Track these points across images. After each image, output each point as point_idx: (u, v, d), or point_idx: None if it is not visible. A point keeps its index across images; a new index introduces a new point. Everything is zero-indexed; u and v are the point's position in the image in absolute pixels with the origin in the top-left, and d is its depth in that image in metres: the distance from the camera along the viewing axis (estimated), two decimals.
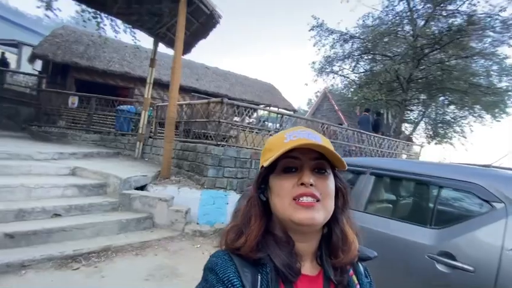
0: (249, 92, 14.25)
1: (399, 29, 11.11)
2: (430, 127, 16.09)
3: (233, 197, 4.57)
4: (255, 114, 9.41)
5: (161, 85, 10.86)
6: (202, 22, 5.82)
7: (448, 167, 2.13)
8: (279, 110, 11.85)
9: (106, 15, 7.79)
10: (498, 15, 9.19)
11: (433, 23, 10.31)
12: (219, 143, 4.88)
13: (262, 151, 0.63)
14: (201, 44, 7.19)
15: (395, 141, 8.95)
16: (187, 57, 9.70)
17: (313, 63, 12.71)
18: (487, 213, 1.58)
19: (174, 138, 5.38)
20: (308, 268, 0.59)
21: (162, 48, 7.42)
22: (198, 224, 4.25)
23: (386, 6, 11.05)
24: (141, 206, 3.93)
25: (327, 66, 12.54)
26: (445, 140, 15.68)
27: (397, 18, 10.98)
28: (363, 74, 13.27)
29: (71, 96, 8.43)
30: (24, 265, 2.44)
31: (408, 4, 10.65)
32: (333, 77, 13.23)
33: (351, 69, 12.99)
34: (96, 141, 7.41)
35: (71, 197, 3.71)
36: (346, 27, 12.03)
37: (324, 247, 0.60)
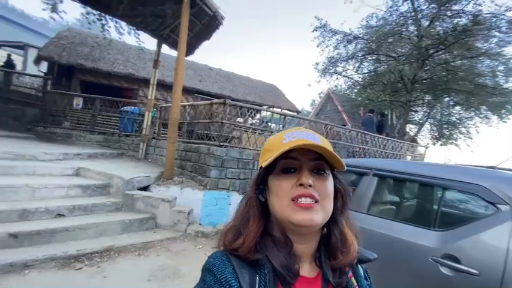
0: (252, 93, 14.27)
1: (403, 30, 11.03)
2: (435, 128, 15.94)
3: (236, 198, 4.56)
4: (258, 115, 9.41)
5: (165, 86, 10.94)
6: (206, 23, 5.85)
7: (452, 168, 2.10)
8: (282, 111, 11.83)
9: (111, 17, 7.86)
10: (504, 15, 9.09)
11: (437, 23, 10.22)
12: (221, 144, 4.88)
13: (261, 152, 0.63)
14: (205, 45, 7.21)
15: (400, 142, 8.88)
16: (190, 58, 9.76)
17: (317, 64, 12.69)
18: (492, 215, 1.55)
19: (177, 139, 5.40)
20: (307, 270, 0.58)
21: (166, 49, 7.48)
22: (200, 224, 4.25)
23: (390, 7, 10.99)
24: (144, 207, 3.95)
25: (331, 67, 12.50)
26: (451, 141, 15.52)
27: (401, 18, 10.91)
28: (366, 74, 13.20)
29: (75, 98, 8.52)
30: (28, 265, 2.46)
31: (412, 4, 10.57)
32: (337, 78, 13.18)
33: (354, 70, 12.93)
34: (101, 142, 7.47)
35: (75, 197, 3.74)
36: (349, 28, 11.96)
37: (322, 248, 0.60)
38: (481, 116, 13.60)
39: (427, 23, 10.43)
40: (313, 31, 11.71)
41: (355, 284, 0.61)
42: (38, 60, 11.19)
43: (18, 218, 2.94)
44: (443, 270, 1.54)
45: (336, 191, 0.61)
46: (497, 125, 13.57)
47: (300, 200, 0.54)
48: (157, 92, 8.88)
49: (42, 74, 11.35)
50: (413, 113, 14.08)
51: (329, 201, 0.57)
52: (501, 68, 11.27)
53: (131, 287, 2.59)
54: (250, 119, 7.02)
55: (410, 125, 15.98)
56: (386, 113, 12.62)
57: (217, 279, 0.52)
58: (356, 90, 13.36)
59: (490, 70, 11.28)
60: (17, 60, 14.39)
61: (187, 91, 11.15)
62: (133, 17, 6.44)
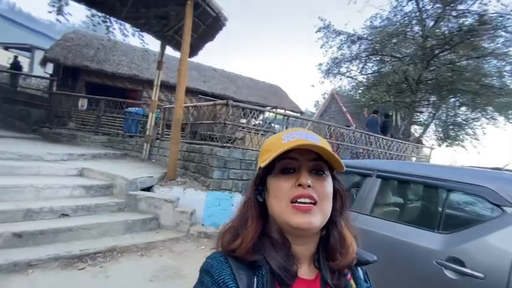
0: (255, 94, 14.29)
1: (408, 30, 10.95)
2: (440, 129, 15.77)
3: (238, 199, 4.54)
4: (261, 116, 9.41)
5: (168, 87, 11.00)
6: (209, 25, 5.87)
7: (457, 169, 2.07)
8: (286, 112, 11.82)
9: (115, 19, 7.95)
10: (510, 14, 8.96)
11: (442, 23, 10.12)
12: (224, 144, 4.89)
13: (260, 152, 0.62)
14: (209, 46, 7.24)
15: (404, 143, 8.79)
16: (195, 59, 9.80)
17: (320, 64, 12.64)
18: (497, 217, 1.52)
19: (180, 139, 5.42)
20: (305, 271, 0.58)
21: (170, 51, 7.52)
22: (203, 225, 4.25)
23: (395, 7, 10.90)
24: (147, 207, 3.96)
25: (334, 68, 12.45)
26: (457, 142, 15.34)
27: (406, 18, 10.82)
28: (370, 75, 13.12)
29: (80, 99, 8.62)
30: (31, 264, 2.48)
31: (417, 4, 10.49)
32: (340, 79, 13.13)
33: (358, 71, 12.86)
34: (105, 142, 7.53)
35: (79, 197, 3.77)
36: (353, 28, 11.87)
37: (321, 250, 0.59)
38: (487, 117, 13.42)
39: (432, 23, 10.33)
40: (316, 32, 11.68)
41: (354, 286, 0.61)
42: (44, 62, 11.35)
43: (22, 217, 2.97)
44: (448, 273, 1.52)
45: (335, 192, 0.60)
46: (504, 126, 13.39)
47: (299, 200, 0.54)
48: (161, 93, 8.94)
49: (48, 76, 11.50)
50: (418, 113, 13.95)
51: (328, 202, 0.57)
52: (508, 68, 11.10)
53: (133, 287, 2.60)
54: (253, 120, 7.03)
55: (415, 126, 15.83)
56: (390, 113, 12.52)
57: (215, 280, 0.51)
58: (360, 91, 13.28)
59: (497, 70, 11.13)
60: (24, 62, 14.62)
61: (191, 92, 11.20)
62: (137, 18, 6.50)
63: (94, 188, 3.98)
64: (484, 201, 1.62)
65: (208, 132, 5.71)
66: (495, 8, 9.15)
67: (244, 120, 6.10)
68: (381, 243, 1.89)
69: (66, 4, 8.21)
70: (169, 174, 4.97)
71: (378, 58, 12.38)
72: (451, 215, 1.79)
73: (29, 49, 16.55)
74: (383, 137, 7.98)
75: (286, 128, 6.24)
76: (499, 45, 10.14)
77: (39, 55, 14.03)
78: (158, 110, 7.54)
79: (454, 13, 9.70)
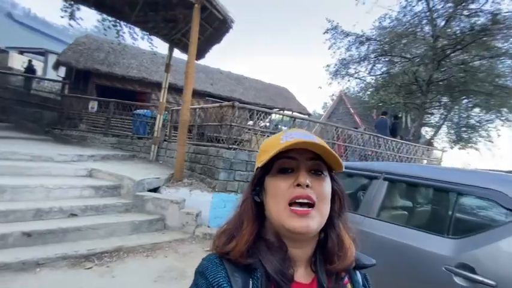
0: (262, 96, 14.29)
1: (418, 30, 10.75)
2: (452, 131, 15.39)
3: None
4: (268, 118, 9.39)
5: (177, 90, 11.11)
6: (216, 27, 5.91)
7: (468, 172, 2.00)
8: (293, 113, 11.77)
9: (125, 23, 8.11)
10: None
11: (454, 22, 9.90)
12: (230, 146, 4.89)
13: (258, 153, 0.62)
14: (218, 49, 7.30)
15: (415, 145, 8.61)
16: (202, 62, 9.90)
17: (328, 66, 12.55)
18: (510, 222, 1.45)
19: (187, 141, 5.46)
20: (302, 275, 0.57)
21: (177, 54, 7.62)
22: (208, 227, 4.25)
23: (404, 7, 10.73)
24: (154, 208, 4.00)
25: (342, 69, 12.34)
26: (470, 144, 14.93)
27: (416, 18, 10.63)
28: (379, 76, 12.93)
29: (90, 101, 8.81)
30: (39, 263, 2.53)
31: (427, 4, 10.29)
32: (348, 80, 12.99)
33: (367, 72, 12.69)
34: (114, 144, 7.66)
35: (87, 197, 3.83)
36: (362, 29, 11.74)
37: (318, 253, 0.58)
38: (502, 118, 13.01)
39: (443, 23, 10.12)
40: (324, 33, 11.61)
41: None
42: (56, 66, 11.66)
43: (32, 217, 3.04)
44: (457, 280, 1.46)
45: (333, 193, 0.59)
46: None
47: (297, 201, 0.53)
48: (169, 95, 9.05)
49: (60, 79, 11.82)
50: (429, 115, 13.65)
51: (326, 204, 0.56)
52: None
53: (138, 287, 2.62)
54: (261, 121, 7.03)
55: (426, 128, 15.51)
56: (400, 115, 12.30)
57: (209, 282, 0.51)
58: (369, 93, 13.11)
59: (511, 70, 10.80)
60: (38, 65, 15.07)
61: (198, 94, 11.29)
62: (146, 22, 6.61)
63: (102, 188, 4.05)
64: (496, 205, 1.56)
65: (214, 134, 5.73)
66: (508, 6, 8.94)
67: (251, 122, 6.11)
68: (387, 248, 1.85)
69: (78, 9, 8.43)
70: (176, 175, 5.00)
71: (387, 59, 12.20)
72: (461, 219, 1.73)
73: (43, 53, 17.07)
74: (392, 139, 7.84)
75: None
76: None
77: (52, 59, 14.45)
78: (166, 112, 7.62)
79: (465, 12, 9.47)
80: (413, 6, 10.55)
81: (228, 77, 14.25)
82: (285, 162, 0.56)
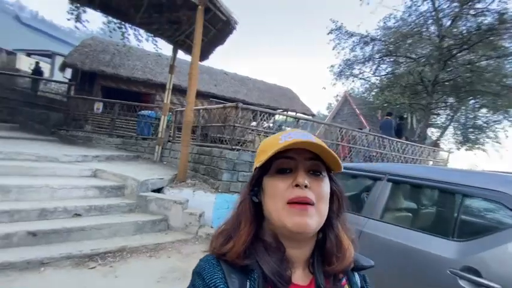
0: (266, 96, 14.29)
1: (423, 30, 10.64)
2: (459, 132, 15.19)
3: None
4: (272, 119, 9.38)
5: (181, 91, 11.16)
6: (219, 29, 5.93)
7: (474, 174, 1.96)
8: (297, 114, 11.74)
9: (130, 25, 8.20)
10: None
11: (460, 22, 9.78)
12: (233, 147, 4.89)
13: (257, 153, 0.62)
14: (223, 50, 7.33)
15: (420, 146, 8.52)
16: (206, 63, 9.94)
17: (332, 66, 12.50)
18: None
19: (190, 142, 5.48)
20: (299, 276, 0.56)
21: (182, 55, 7.67)
22: (212, 227, 4.25)
23: (409, 7, 10.64)
24: (157, 208, 4.01)
25: (347, 70, 12.28)
26: (477, 146, 14.72)
27: (421, 18, 10.53)
28: (384, 76, 12.83)
29: (96, 102, 8.91)
30: (44, 263, 2.55)
31: (433, 4, 10.19)
32: (353, 81, 12.92)
33: (371, 72, 12.61)
34: (118, 144, 7.73)
35: (92, 197, 3.86)
36: (366, 29, 11.67)
37: (316, 254, 0.58)
38: (510, 119, 12.81)
39: (449, 23, 10.01)
40: (328, 33, 11.57)
41: None
42: (63, 67, 11.83)
43: (37, 217, 3.07)
44: (462, 283, 1.43)
45: (332, 193, 0.59)
46: None
47: (295, 201, 0.53)
48: (173, 96, 9.10)
49: (66, 81, 11.98)
50: (435, 116, 13.49)
51: (325, 204, 0.55)
52: None
53: (141, 287, 2.62)
54: (265, 122, 7.03)
55: (432, 129, 15.34)
56: (405, 116, 12.19)
57: (206, 283, 0.50)
58: (374, 93, 13.02)
59: None
60: (45, 67, 15.30)
61: (202, 95, 11.34)
62: (150, 24, 6.67)
63: (107, 188, 4.08)
64: (503, 207, 1.53)
65: (218, 134, 5.74)
66: None
67: (254, 123, 6.11)
68: (391, 250, 1.82)
69: (84, 12, 8.55)
70: (179, 176, 5.02)
71: (392, 59, 12.11)
72: (467, 221, 1.69)
73: (50, 55, 17.34)
74: (397, 140, 7.77)
75: None
76: None
77: (59, 61, 14.67)
78: (170, 113, 7.67)
79: (472, 12, 9.35)
80: (419, 6, 10.47)
81: (232, 78, 14.29)
82: (284, 162, 0.56)
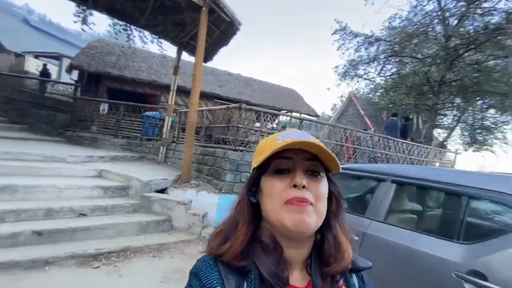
0: (270, 97, 14.28)
1: (429, 30, 10.53)
2: (466, 133, 14.97)
3: None
4: (276, 120, 9.37)
5: (185, 92, 11.22)
6: (223, 30, 5.95)
7: (480, 175, 1.93)
8: (301, 115, 11.71)
9: (135, 27, 8.29)
10: None
11: (467, 21, 9.66)
12: (237, 148, 4.90)
13: (255, 154, 0.61)
14: (226, 51, 7.38)
15: (426, 147, 8.41)
16: (210, 64, 9.98)
17: (336, 67, 12.46)
18: None
19: (194, 143, 5.50)
20: (297, 278, 0.55)
21: (187, 57, 7.73)
22: (215, 228, 4.24)
23: (415, 7, 10.55)
24: (161, 209, 4.03)
25: (351, 70, 12.21)
26: (485, 147, 14.49)
27: (427, 18, 10.43)
28: (389, 77, 12.73)
29: (101, 103, 9.01)
30: (49, 262, 2.58)
31: (439, 3, 10.08)
32: (357, 81, 12.85)
33: (376, 73, 12.53)
34: (123, 145, 7.80)
35: (96, 197, 3.90)
36: (371, 30, 11.59)
37: (314, 255, 0.57)
38: None
39: (455, 22, 9.89)
40: (332, 34, 11.53)
41: None
42: (69, 69, 12.00)
43: (43, 216, 3.11)
44: (468, 287, 1.40)
45: (330, 194, 0.58)
46: None
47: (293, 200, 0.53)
48: (178, 97, 9.16)
49: (73, 82, 12.15)
50: (441, 117, 13.33)
51: (323, 204, 0.55)
52: None
53: (145, 287, 2.64)
54: (269, 123, 7.03)
55: (439, 130, 15.15)
56: (411, 117, 12.06)
57: (203, 284, 0.50)
58: (379, 94, 12.93)
59: None
60: (53, 69, 15.54)
61: (206, 96, 11.39)
62: (155, 26, 6.72)
63: (111, 189, 4.11)
64: (510, 209, 1.49)
65: (222, 135, 5.76)
66: None
67: (258, 124, 6.11)
68: (395, 252, 1.80)
69: (91, 14, 8.68)
70: (183, 176, 5.04)
71: (397, 59, 12.02)
72: (473, 224, 1.66)
73: (58, 57, 17.62)
74: (403, 141, 7.69)
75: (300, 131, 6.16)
76: None
77: (66, 63, 14.88)
78: (174, 114, 7.71)
79: (479, 11, 9.23)
80: (424, 6, 10.38)
81: (236, 79, 14.32)
82: (281, 162, 0.55)
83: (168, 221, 3.94)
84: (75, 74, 12.50)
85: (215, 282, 0.50)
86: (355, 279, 0.61)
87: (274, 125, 7.40)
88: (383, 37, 11.45)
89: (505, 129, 13.40)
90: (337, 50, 11.85)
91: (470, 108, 13.30)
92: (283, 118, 7.65)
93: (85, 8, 8.09)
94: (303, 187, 0.52)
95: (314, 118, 12.66)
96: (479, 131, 14.34)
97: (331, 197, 0.59)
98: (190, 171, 5.23)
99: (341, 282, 0.58)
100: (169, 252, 3.35)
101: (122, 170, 4.80)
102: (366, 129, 9.85)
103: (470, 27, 9.59)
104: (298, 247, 0.56)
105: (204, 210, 4.18)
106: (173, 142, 7.33)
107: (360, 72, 12.44)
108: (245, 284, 0.51)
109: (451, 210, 1.94)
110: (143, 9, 6.11)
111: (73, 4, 7.89)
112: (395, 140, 7.42)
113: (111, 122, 8.78)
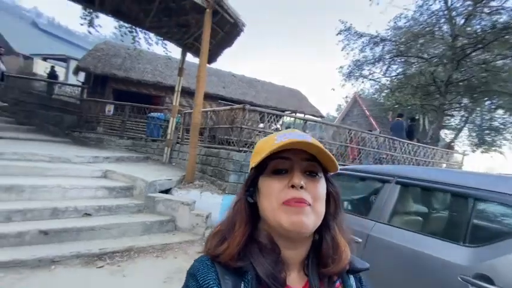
0: (274, 98, 14.27)
1: (436, 29, 10.41)
2: (474, 134, 14.74)
3: None
4: (281, 121, 9.36)
5: (190, 93, 11.28)
6: (227, 31, 5.97)
7: (487, 177, 1.89)
8: (305, 116, 11.67)
9: (140, 29, 8.37)
10: None
11: (474, 21, 9.53)
12: (240, 148, 4.90)
13: (252, 154, 0.61)
14: (230, 52, 7.40)
15: (433, 148, 8.30)
16: (214, 65, 10.02)
17: (341, 67, 12.39)
18: None
19: (198, 144, 5.52)
20: (294, 279, 0.55)
21: (191, 58, 7.76)
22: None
23: (421, 6, 10.45)
24: (165, 209, 4.05)
25: (356, 71, 12.14)
26: (493, 148, 14.25)
27: (433, 17, 10.32)
28: (395, 77, 12.61)
29: (107, 105, 9.12)
30: (54, 261, 2.61)
31: (445, 2, 9.96)
32: (362, 82, 12.76)
33: (382, 73, 12.43)
34: (129, 146, 7.87)
35: (101, 198, 3.94)
36: (376, 30, 11.52)
37: (312, 256, 0.57)
38: None
39: (462, 21, 9.76)
40: (337, 34, 11.49)
41: None
42: (76, 71, 12.19)
43: (49, 216, 3.15)
44: None
45: (328, 194, 0.58)
46: None
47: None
48: (182, 98, 9.22)
49: (80, 84, 12.33)
50: (448, 117, 13.15)
51: (321, 204, 0.55)
52: None
53: (148, 287, 2.65)
54: (273, 124, 7.02)
55: (446, 131, 14.94)
56: (417, 117, 11.93)
57: (200, 285, 0.50)
58: (384, 94, 12.82)
59: None
60: (60, 71, 15.78)
61: (210, 97, 11.43)
62: (159, 27, 6.79)
63: (116, 189, 4.15)
64: None
65: (226, 136, 5.77)
66: None
67: (262, 125, 6.10)
68: (399, 255, 1.77)
69: (97, 17, 8.80)
70: (187, 177, 5.06)
71: (402, 60, 11.91)
72: (479, 226, 1.63)
73: (65, 59, 17.91)
74: (408, 141, 7.60)
75: (304, 131, 6.14)
76: None
77: (73, 65, 15.11)
78: (179, 115, 7.76)
79: (486, 10, 9.09)
80: (431, 5, 10.28)
81: (240, 80, 14.35)
82: (279, 162, 0.55)
83: (172, 222, 3.95)
84: (82, 76, 12.69)
85: (212, 282, 0.50)
86: (352, 281, 0.60)
87: (279, 126, 7.39)
88: (388, 37, 11.36)
89: None
90: (342, 50, 11.82)
91: (478, 108, 13.10)
92: (287, 119, 7.63)
93: (91, 10, 8.21)
94: (301, 187, 0.52)
95: (318, 119, 12.61)
96: (487, 131, 14.12)
97: (330, 197, 0.58)
98: (195, 172, 5.25)
99: (338, 283, 0.57)
100: (173, 253, 3.37)
101: (127, 170, 4.84)
102: (371, 130, 9.77)
103: (478, 27, 9.46)
104: (295, 248, 0.55)
105: (207, 210, 4.19)
106: (177, 143, 7.37)
107: (365, 72, 12.37)
108: (242, 285, 0.51)
109: (457, 212, 1.91)
110: (148, 12, 6.17)
111: (80, 7, 8.01)
112: (401, 141, 7.34)
113: (116, 123, 8.88)
